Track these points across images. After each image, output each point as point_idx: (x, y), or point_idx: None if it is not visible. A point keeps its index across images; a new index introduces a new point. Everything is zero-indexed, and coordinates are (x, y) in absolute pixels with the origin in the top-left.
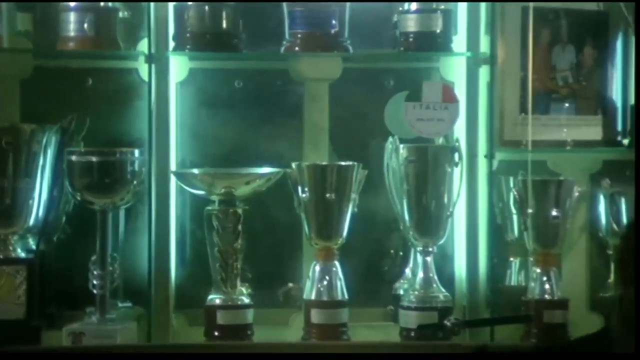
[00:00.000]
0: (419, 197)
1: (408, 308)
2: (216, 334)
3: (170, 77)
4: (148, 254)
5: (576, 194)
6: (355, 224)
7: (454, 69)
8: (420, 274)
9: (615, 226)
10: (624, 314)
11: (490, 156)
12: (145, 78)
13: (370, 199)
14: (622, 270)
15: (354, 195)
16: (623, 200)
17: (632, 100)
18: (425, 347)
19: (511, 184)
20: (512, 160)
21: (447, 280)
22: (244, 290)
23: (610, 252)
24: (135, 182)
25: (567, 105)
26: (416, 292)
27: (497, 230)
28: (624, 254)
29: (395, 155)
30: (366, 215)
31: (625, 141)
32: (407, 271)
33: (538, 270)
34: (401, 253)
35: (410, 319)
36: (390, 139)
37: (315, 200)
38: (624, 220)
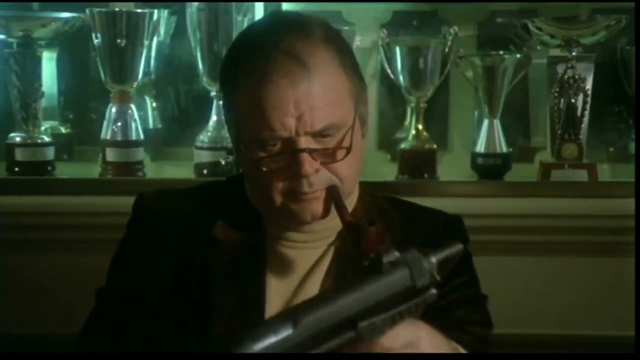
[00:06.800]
0: (210, 44)
1: (201, 148)
2: (16, 169)
3: None
4: None
5: (357, 42)
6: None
7: None
8: (214, 117)
9: (390, 73)
10: None
11: None
12: None
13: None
14: None
15: (147, 42)
16: (397, 49)
17: None
18: None
19: None
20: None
21: None
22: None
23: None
24: None
25: None
26: (209, 134)
27: None
28: None
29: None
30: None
31: None
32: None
33: None
34: None
35: (203, 157)
36: None
37: (108, 45)
38: (398, 67)
